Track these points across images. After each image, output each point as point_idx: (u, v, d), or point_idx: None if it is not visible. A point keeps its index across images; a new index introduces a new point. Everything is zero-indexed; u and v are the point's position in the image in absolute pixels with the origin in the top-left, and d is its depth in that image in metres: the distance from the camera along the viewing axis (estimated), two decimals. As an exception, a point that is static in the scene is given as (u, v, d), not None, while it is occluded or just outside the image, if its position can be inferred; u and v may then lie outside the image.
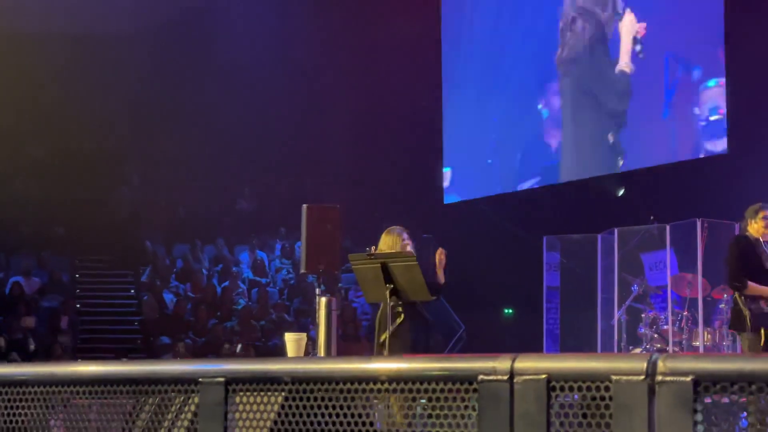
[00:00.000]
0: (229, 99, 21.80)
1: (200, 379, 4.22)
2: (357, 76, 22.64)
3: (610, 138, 18.75)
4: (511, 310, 20.39)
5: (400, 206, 21.93)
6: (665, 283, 15.17)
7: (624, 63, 18.36)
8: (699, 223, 14.56)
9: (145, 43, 21.82)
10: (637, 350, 14.54)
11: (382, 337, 9.40)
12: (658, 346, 14.44)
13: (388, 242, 9.78)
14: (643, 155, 18.37)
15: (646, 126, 18.24)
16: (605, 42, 18.99)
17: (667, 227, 15.23)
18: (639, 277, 15.61)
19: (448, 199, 21.73)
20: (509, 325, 19.96)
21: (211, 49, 21.99)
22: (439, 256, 9.80)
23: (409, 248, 9.74)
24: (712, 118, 17.10)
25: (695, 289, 14.41)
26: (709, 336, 13.78)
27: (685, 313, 14.33)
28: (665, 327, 14.48)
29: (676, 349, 14.23)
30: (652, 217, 15.62)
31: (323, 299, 10.04)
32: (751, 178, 15.28)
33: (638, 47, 18.31)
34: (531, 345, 16.54)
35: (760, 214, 9.71)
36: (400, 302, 9.38)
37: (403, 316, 9.46)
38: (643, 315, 14.81)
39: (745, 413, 4.00)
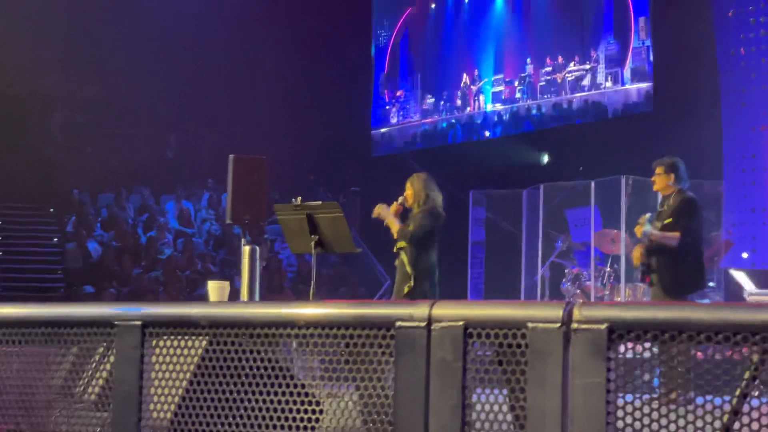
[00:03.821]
0: (158, 47, 21.53)
1: (116, 322, 4.17)
2: (288, 28, 22.46)
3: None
4: (436, 265, 20.49)
5: (329, 159, 21.99)
6: (589, 240, 15.26)
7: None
8: (623, 180, 14.67)
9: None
10: (560, 305, 14.58)
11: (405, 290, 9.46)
12: (581, 302, 14.53)
13: (414, 187, 9.79)
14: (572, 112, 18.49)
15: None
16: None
17: (592, 183, 15.30)
18: (563, 233, 15.74)
19: (377, 152, 21.74)
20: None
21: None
22: (379, 213, 9.77)
23: (424, 200, 9.67)
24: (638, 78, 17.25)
25: (618, 245, 14.58)
26: (630, 292, 13.94)
27: (608, 269, 14.48)
28: (588, 283, 14.62)
29: (598, 304, 14.31)
30: (581, 168, 15.62)
31: (247, 248, 9.99)
32: (674, 135, 15.39)
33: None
34: (455, 299, 16.53)
35: None
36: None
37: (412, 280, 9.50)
38: (566, 271, 14.94)
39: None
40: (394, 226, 9.59)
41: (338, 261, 19.83)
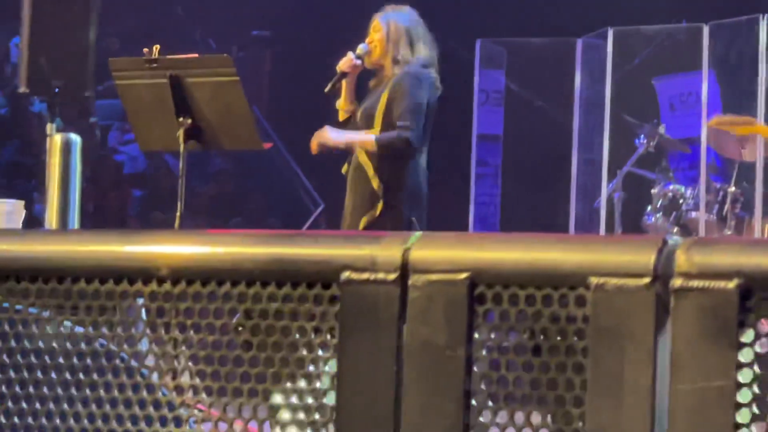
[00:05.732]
0: None
1: None
2: None
3: None
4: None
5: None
6: (698, 134, 9.66)
7: None
8: (763, 22, 9.10)
9: None
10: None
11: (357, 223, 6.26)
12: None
13: (388, 29, 6.33)
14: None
15: None
16: None
17: (704, 28, 9.48)
18: (649, 121, 9.82)
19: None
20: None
21: None
22: (322, 141, 6.34)
23: (406, 54, 6.26)
24: None
25: (753, 146, 8.92)
26: (771, 231, 8.94)
27: (733, 189, 8.85)
28: (694, 214, 9.19)
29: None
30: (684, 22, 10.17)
31: (57, 138, 6.34)
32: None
33: None
34: (451, 231, 9.74)
35: None
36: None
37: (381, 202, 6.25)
38: (654, 191, 9.36)
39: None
40: (363, 139, 6.30)
41: (228, 168, 13.33)
